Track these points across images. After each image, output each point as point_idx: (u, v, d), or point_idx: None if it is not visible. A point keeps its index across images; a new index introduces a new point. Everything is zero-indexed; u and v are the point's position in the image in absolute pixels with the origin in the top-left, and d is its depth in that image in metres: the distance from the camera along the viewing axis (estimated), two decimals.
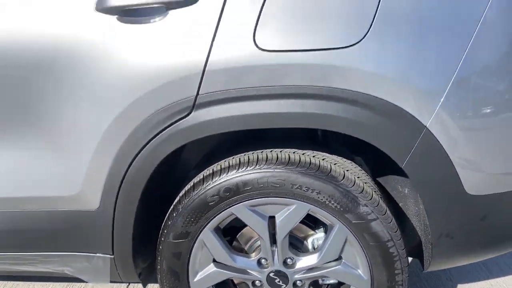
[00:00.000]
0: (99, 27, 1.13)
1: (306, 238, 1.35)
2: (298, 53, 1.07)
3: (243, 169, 1.21)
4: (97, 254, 1.36)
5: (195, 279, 1.34)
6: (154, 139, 1.17)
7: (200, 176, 1.28)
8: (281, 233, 1.26)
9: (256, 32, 1.08)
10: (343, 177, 1.20)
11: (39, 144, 1.23)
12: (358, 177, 1.23)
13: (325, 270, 1.29)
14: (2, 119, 1.24)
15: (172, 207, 1.30)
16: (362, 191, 1.20)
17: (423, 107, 1.09)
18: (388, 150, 1.15)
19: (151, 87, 1.13)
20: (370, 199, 1.20)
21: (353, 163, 1.32)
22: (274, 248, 1.29)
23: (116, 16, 1.12)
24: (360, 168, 1.33)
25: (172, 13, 1.11)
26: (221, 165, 1.25)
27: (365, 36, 1.05)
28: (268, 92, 1.11)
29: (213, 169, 1.26)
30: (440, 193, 1.17)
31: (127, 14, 1.11)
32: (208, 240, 1.28)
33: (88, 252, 1.37)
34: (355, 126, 1.12)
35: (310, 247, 1.34)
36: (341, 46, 1.06)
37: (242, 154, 1.26)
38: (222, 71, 1.10)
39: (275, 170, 1.19)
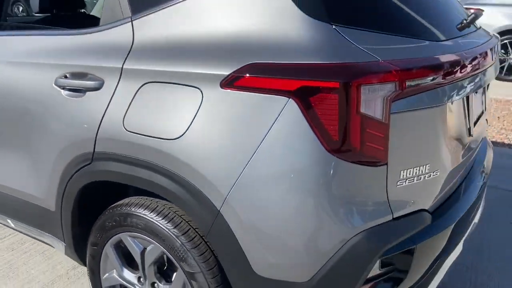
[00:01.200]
0: (54, 95, 1.71)
1: (175, 271, 1.72)
2: (145, 137, 1.47)
3: (127, 208, 1.65)
4: (60, 240, 1.98)
5: (103, 277, 1.85)
6: (75, 174, 1.71)
7: (113, 204, 1.77)
8: (147, 263, 1.67)
9: (125, 117, 1.51)
10: (184, 233, 1.53)
11: (25, 156, 1.89)
12: (203, 236, 1.55)
13: None
14: (4, 137, 1.95)
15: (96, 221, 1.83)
16: (196, 247, 1.52)
17: (216, 194, 1.36)
18: (197, 223, 1.46)
19: (76, 139, 1.67)
20: (200, 255, 1.51)
21: None
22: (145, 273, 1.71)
23: (62, 90, 1.69)
24: None
25: (88, 94, 1.62)
26: (124, 201, 1.72)
27: (182, 135, 1.39)
28: (129, 159, 1.54)
29: (118, 202, 1.73)
30: (233, 270, 1.42)
31: (67, 90, 1.67)
32: (109, 252, 1.78)
33: (57, 238, 2.00)
34: (176, 199, 1.46)
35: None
36: (167, 138, 1.42)
37: (135, 197, 1.70)
38: (104, 139, 1.58)
39: (140, 215, 1.60)
